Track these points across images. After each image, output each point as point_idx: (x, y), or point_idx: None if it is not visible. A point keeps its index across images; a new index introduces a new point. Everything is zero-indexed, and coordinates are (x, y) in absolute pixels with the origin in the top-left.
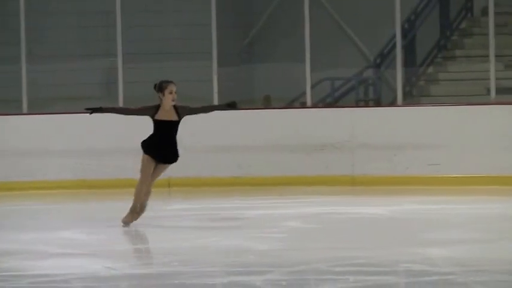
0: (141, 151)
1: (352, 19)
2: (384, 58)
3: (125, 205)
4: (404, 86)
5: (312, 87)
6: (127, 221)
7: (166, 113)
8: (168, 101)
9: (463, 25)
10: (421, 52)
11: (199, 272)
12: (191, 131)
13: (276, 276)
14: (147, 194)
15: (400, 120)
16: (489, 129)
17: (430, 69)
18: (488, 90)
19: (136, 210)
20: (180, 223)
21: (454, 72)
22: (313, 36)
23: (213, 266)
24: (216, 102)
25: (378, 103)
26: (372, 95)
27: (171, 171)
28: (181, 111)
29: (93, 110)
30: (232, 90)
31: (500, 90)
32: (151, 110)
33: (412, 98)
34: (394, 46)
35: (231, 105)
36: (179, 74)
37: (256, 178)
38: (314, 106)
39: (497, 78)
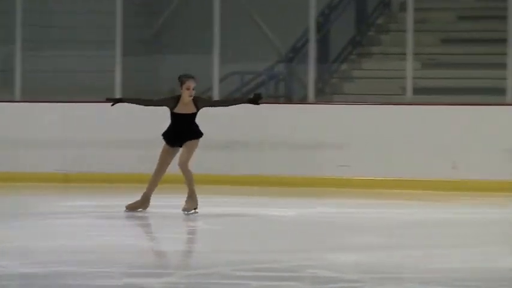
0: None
1: (264, 10)
2: (296, 53)
3: (39, 199)
4: (316, 83)
5: (220, 81)
6: (131, 208)
7: (185, 107)
8: (185, 96)
9: (380, 21)
10: (335, 48)
11: (96, 272)
12: (94, 125)
13: (175, 279)
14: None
15: (311, 118)
16: (403, 130)
17: (344, 66)
18: (404, 90)
19: (146, 200)
20: (79, 220)
21: (369, 70)
22: (223, 27)
23: (111, 266)
24: (118, 93)
25: (288, 100)
26: (282, 91)
27: (68, 165)
28: (200, 103)
29: (114, 102)
30: (136, 82)
31: (416, 90)
32: (171, 102)
33: (324, 95)
34: (307, 41)
35: (253, 100)
36: (81, 63)
37: None
38: None
39: (414, 78)
